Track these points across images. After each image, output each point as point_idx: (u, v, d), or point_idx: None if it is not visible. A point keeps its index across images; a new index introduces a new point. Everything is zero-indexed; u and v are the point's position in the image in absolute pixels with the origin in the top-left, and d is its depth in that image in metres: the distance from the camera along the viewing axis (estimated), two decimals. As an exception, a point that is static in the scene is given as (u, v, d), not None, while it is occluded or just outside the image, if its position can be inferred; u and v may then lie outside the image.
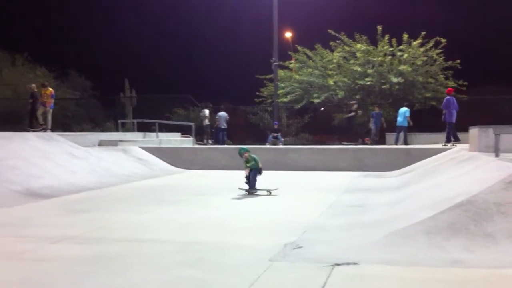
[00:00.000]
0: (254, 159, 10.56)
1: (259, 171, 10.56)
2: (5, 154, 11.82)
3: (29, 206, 8.99)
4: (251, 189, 10.44)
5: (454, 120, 17.49)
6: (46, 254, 5.41)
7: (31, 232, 6.58)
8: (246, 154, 10.59)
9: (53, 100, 19.79)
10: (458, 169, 9.65)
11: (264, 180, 10.84)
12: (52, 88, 20.86)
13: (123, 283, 4.38)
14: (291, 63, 31.66)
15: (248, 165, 10.48)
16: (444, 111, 17.59)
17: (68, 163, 13.17)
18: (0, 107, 29.53)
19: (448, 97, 17.85)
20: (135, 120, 25.81)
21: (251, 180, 10.45)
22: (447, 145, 16.90)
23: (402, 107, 22.45)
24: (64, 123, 30.02)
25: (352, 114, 24.38)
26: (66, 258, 5.22)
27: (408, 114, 21.49)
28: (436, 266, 4.72)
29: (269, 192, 10.35)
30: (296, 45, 30.65)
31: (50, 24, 52.03)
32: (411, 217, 6.17)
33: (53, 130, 19.48)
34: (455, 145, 16.53)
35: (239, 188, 10.63)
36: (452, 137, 17.29)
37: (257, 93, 32.29)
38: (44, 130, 18.94)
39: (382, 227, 6.15)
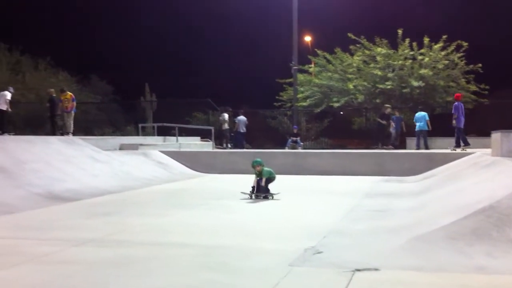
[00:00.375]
0: (270, 173, 10.20)
1: (271, 180, 10.22)
2: (28, 157, 11.99)
3: (51, 209, 9.09)
4: (257, 193, 10.09)
5: (462, 125, 17.74)
6: (68, 257, 5.46)
7: (54, 235, 6.66)
8: (259, 168, 10.15)
9: (74, 104, 20.02)
10: (480, 174, 9.54)
11: (283, 184, 10.81)
12: (73, 92, 21.12)
13: (146, 286, 4.40)
14: (310, 67, 31.63)
15: (258, 178, 10.18)
16: (455, 116, 17.72)
17: (90, 167, 13.31)
18: (23, 111, 29.98)
19: (456, 103, 18.04)
20: (155, 124, 25.98)
21: (261, 186, 10.09)
22: (455, 150, 16.99)
23: (418, 111, 22.19)
24: (86, 127, 30.35)
25: (384, 122, 23.17)
26: (88, 261, 5.26)
27: (427, 118, 21.29)
28: (459, 272, 4.66)
29: (272, 197, 10.06)
30: (316, 49, 30.64)
31: (72, 29, 52.70)
32: (434, 222, 6.11)
33: (74, 134, 19.70)
34: (465, 150, 16.60)
35: (242, 193, 10.30)
36: (462, 142, 17.48)
37: (277, 97, 32.31)
38: (62, 134, 19.16)
39: (404, 232, 6.10)
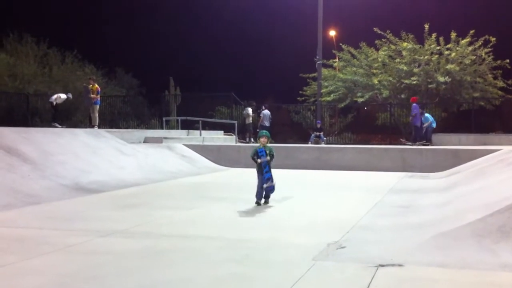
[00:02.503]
0: (272, 150, 8.80)
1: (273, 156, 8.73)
2: (55, 149, 12.19)
3: (78, 200, 9.25)
4: (258, 200, 8.64)
5: (419, 123, 20.81)
6: (95, 247, 5.56)
7: (80, 226, 6.77)
8: (265, 140, 8.79)
9: (98, 96, 20.27)
10: (507, 171, 9.41)
11: (306, 179, 10.81)
12: (99, 85, 21.37)
13: (173, 277, 4.46)
14: (335, 62, 31.46)
15: (258, 161, 8.61)
16: (413, 115, 20.68)
17: (116, 159, 13.47)
18: (50, 104, 30.37)
19: (414, 104, 20.99)
20: (179, 118, 26.13)
21: (257, 189, 8.64)
22: (413, 145, 19.25)
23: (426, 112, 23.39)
24: (111, 119, 30.68)
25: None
26: (115, 252, 5.36)
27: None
28: (485, 269, 4.62)
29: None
30: (340, 44, 30.47)
31: (98, 22, 53.23)
32: (459, 219, 6.06)
33: (100, 126, 19.94)
34: (428, 145, 19.60)
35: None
36: (418, 138, 20.45)
37: (300, 91, 32.24)
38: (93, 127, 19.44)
39: (429, 229, 6.06)
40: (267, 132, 9.04)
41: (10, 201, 8.47)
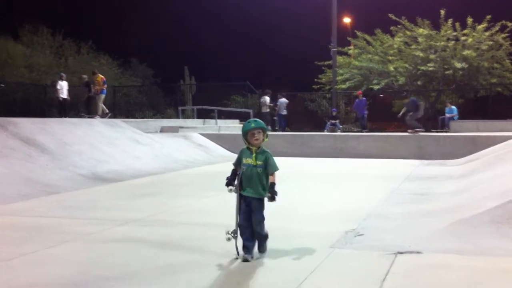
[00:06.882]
0: (267, 159, 4.75)
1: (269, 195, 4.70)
2: (72, 139, 12.29)
3: (95, 189, 9.33)
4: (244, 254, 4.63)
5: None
6: (113, 236, 5.61)
7: (98, 215, 6.84)
8: (260, 138, 4.73)
9: (105, 86, 20.39)
10: (526, 158, 9.30)
11: (322, 166, 10.74)
12: (115, 75, 21.51)
13: (190, 266, 4.49)
14: (350, 49, 31.23)
15: (230, 189, 4.75)
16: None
17: (132, 149, 13.55)
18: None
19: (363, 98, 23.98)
20: (194, 107, 26.22)
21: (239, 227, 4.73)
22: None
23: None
24: (127, 109, 30.85)
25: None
26: (133, 240, 5.40)
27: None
28: (504, 256, 4.59)
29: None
30: (355, 31, 30.20)
31: (113, 12, 53.36)
32: (478, 206, 6.01)
33: (116, 116, 20.09)
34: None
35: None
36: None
37: (315, 79, 32.07)
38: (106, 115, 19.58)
39: (446, 216, 6.03)
40: (261, 122, 4.83)
41: (29, 191, 8.57)
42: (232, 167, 4.82)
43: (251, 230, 4.63)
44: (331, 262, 4.54)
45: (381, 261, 4.49)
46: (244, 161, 4.70)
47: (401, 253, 4.72)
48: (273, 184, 4.67)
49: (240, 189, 4.69)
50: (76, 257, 4.77)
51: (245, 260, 4.53)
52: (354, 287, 3.94)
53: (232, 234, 4.66)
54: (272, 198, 4.61)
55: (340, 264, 4.51)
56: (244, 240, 4.63)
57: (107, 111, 20.74)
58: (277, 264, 4.51)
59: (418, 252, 4.75)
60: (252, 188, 4.63)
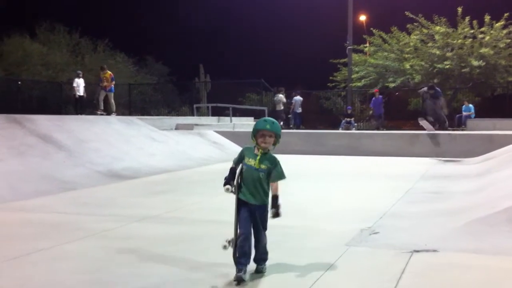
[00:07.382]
0: (275, 165, 4.13)
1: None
2: (89, 136, 12.39)
3: (111, 186, 9.40)
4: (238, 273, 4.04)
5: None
6: (129, 233, 5.65)
7: (114, 211, 6.90)
8: (270, 141, 4.22)
9: (113, 83, 20.40)
10: (544, 157, 9.19)
11: (337, 165, 10.73)
12: (130, 73, 21.60)
13: (205, 263, 4.51)
14: (365, 47, 31.09)
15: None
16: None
17: (148, 146, 13.63)
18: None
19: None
20: (209, 105, 26.27)
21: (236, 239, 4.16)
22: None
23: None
24: (142, 107, 31.01)
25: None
26: (149, 237, 5.44)
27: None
28: (521, 256, 4.55)
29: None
30: (371, 28, 30.08)
31: (129, 11, 53.65)
32: (494, 205, 5.95)
33: (131, 114, 20.17)
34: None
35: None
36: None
37: (330, 77, 31.98)
38: (108, 114, 19.53)
39: (462, 215, 5.99)
40: (278, 126, 4.28)
41: (47, 187, 8.66)
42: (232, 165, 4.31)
43: (250, 243, 4.03)
44: (346, 260, 4.53)
45: (397, 260, 4.48)
46: (246, 160, 4.17)
47: (417, 251, 4.70)
48: (277, 197, 4.05)
49: (238, 191, 4.19)
50: (92, 253, 4.82)
51: (240, 280, 3.91)
52: (369, 285, 3.93)
53: (230, 243, 4.06)
54: (276, 215, 4.05)
55: (355, 262, 4.51)
56: (241, 254, 3.99)
57: (102, 108, 20.42)
58: (292, 261, 4.52)
59: (434, 251, 4.72)
60: (253, 194, 4.11)
